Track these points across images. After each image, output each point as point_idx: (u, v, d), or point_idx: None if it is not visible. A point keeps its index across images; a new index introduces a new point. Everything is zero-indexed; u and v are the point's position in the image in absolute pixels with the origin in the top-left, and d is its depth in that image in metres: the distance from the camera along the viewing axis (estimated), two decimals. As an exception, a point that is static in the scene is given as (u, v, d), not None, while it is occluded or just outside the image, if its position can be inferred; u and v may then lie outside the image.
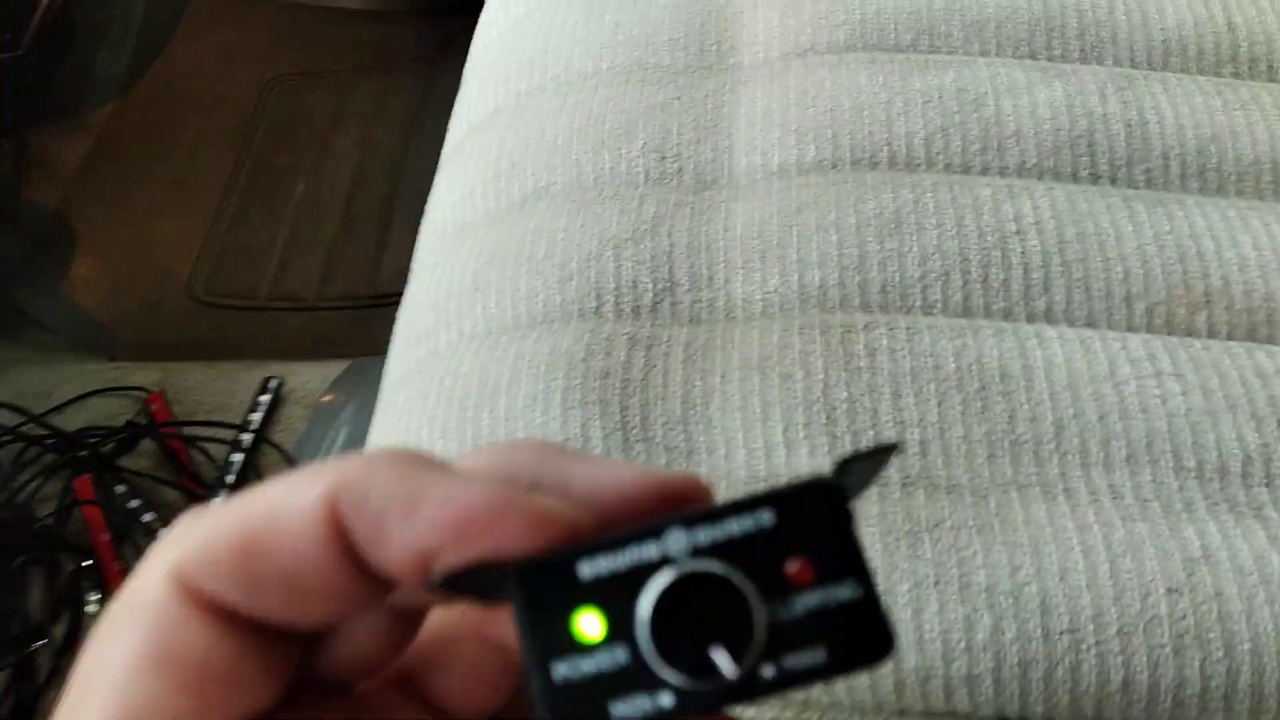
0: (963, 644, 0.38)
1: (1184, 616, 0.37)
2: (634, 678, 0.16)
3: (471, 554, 0.16)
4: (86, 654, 0.17)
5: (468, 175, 0.61)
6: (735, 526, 0.16)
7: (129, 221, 1.26)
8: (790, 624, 0.16)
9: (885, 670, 0.39)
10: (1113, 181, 0.50)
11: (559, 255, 0.53)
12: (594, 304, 0.51)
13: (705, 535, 0.16)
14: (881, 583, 0.39)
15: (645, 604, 0.16)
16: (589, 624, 0.16)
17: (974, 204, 0.48)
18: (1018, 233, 0.47)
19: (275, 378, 1.08)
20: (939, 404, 0.43)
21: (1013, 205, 0.48)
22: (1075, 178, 0.50)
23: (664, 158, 0.56)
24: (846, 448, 0.43)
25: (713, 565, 0.16)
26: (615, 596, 0.16)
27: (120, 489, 1.01)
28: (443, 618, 0.20)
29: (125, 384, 1.09)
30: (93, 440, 1.04)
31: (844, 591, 0.16)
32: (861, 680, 0.39)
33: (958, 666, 0.38)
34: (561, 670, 0.16)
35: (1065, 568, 0.38)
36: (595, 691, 0.16)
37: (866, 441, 0.43)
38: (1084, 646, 0.37)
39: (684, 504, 0.17)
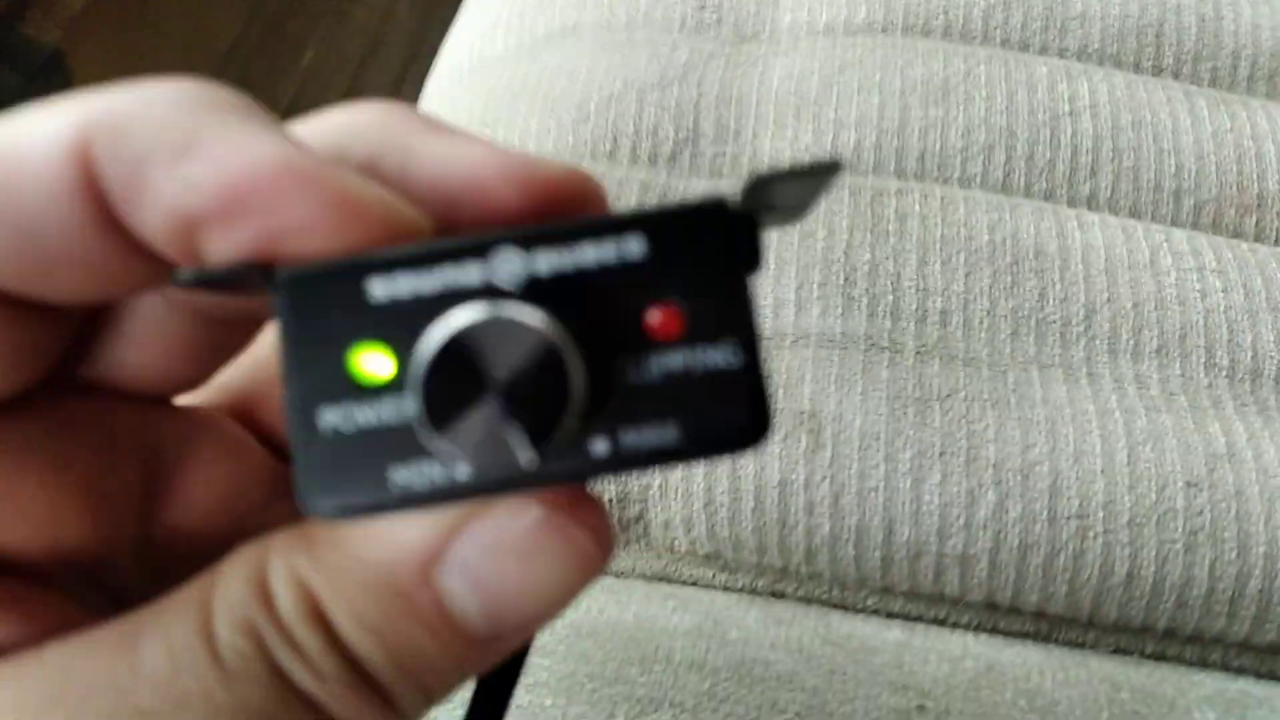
0: (962, 520, 0.36)
1: (1201, 512, 0.34)
2: (423, 439, 0.12)
3: (244, 234, 0.12)
4: None
5: (490, 12, 0.57)
6: (591, 254, 0.12)
7: (128, 70, 1.21)
8: (642, 389, 0.12)
9: (873, 543, 0.36)
10: (1176, 76, 0.47)
11: (578, 94, 0.50)
12: (609, 147, 0.48)
13: (548, 262, 0.12)
14: (882, 449, 0.37)
15: (426, 348, 0.12)
16: (375, 362, 0.12)
17: (1028, 81, 0.45)
18: (1070, 114, 0.44)
19: None
20: (966, 275, 0.40)
21: (1069, 86, 0.45)
22: (1137, 68, 0.47)
23: (703, 7, 0.52)
24: (863, 310, 0.40)
25: (527, 312, 0.12)
26: (413, 329, 0.12)
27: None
28: None
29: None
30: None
31: (717, 355, 0.12)
32: (846, 551, 0.37)
33: (953, 544, 0.36)
34: (330, 418, 0.12)
35: (1081, 450, 0.36)
36: (372, 449, 0.12)
37: (884, 306, 0.40)
38: (1091, 534, 0.35)
39: (564, 209, 0.14)
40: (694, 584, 0.37)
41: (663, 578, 0.38)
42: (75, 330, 0.14)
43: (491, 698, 0.20)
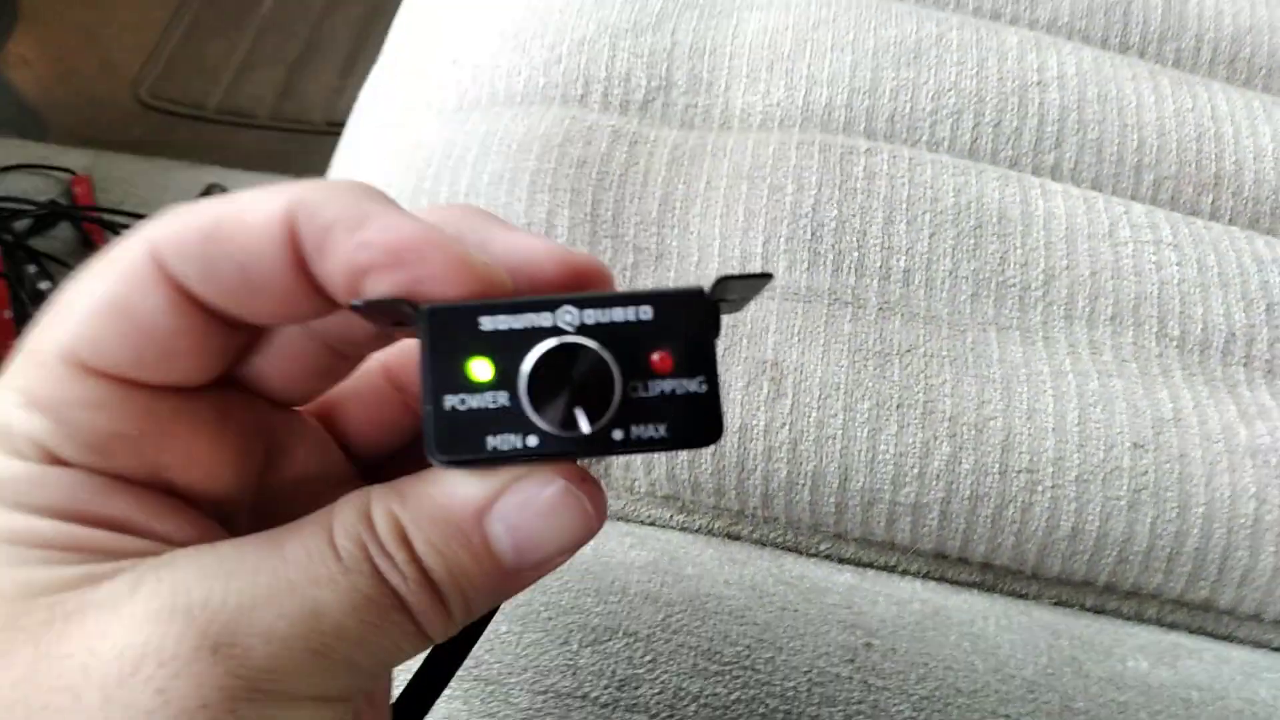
0: (916, 470, 0.36)
1: (1145, 472, 0.35)
2: (509, 420, 0.18)
3: (397, 280, 0.18)
4: (62, 292, 0.19)
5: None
6: (619, 314, 0.19)
7: (81, 6, 1.18)
8: (645, 402, 0.18)
9: (828, 490, 0.37)
10: (1141, 55, 0.48)
11: (550, 36, 0.49)
12: (580, 91, 0.48)
13: (592, 315, 0.19)
14: (841, 399, 0.37)
15: (529, 360, 0.18)
16: (481, 368, 0.18)
17: (999, 49, 0.46)
18: (1039, 83, 0.45)
19: (219, 185, 1.02)
20: (931, 235, 0.41)
21: (1037, 56, 0.46)
22: (1105, 44, 0.48)
23: (680, -44, 0.52)
24: (828, 265, 0.41)
25: (590, 342, 0.18)
26: (506, 350, 0.18)
27: (31, 269, 0.96)
28: (363, 367, 0.23)
29: (52, 163, 1.02)
30: (7, 213, 0.98)
31: (693, 385, 0.19)
32: (802, 496, 0.37)
33: (906, 493, 0.36)
34: (451, 402, 0.18)
35: (1034, 408, 0.37)
36: (476, 424, 0.18)
37: (850, 262, 0.41)
38: (1040, 488, 0.36)
39: (586, 281, 0.20)
40: (652, 524, 0.38)
41: (621, 517, 0.38)
42: (245, 344, 0.20)
43: (444, 661, 0.26)
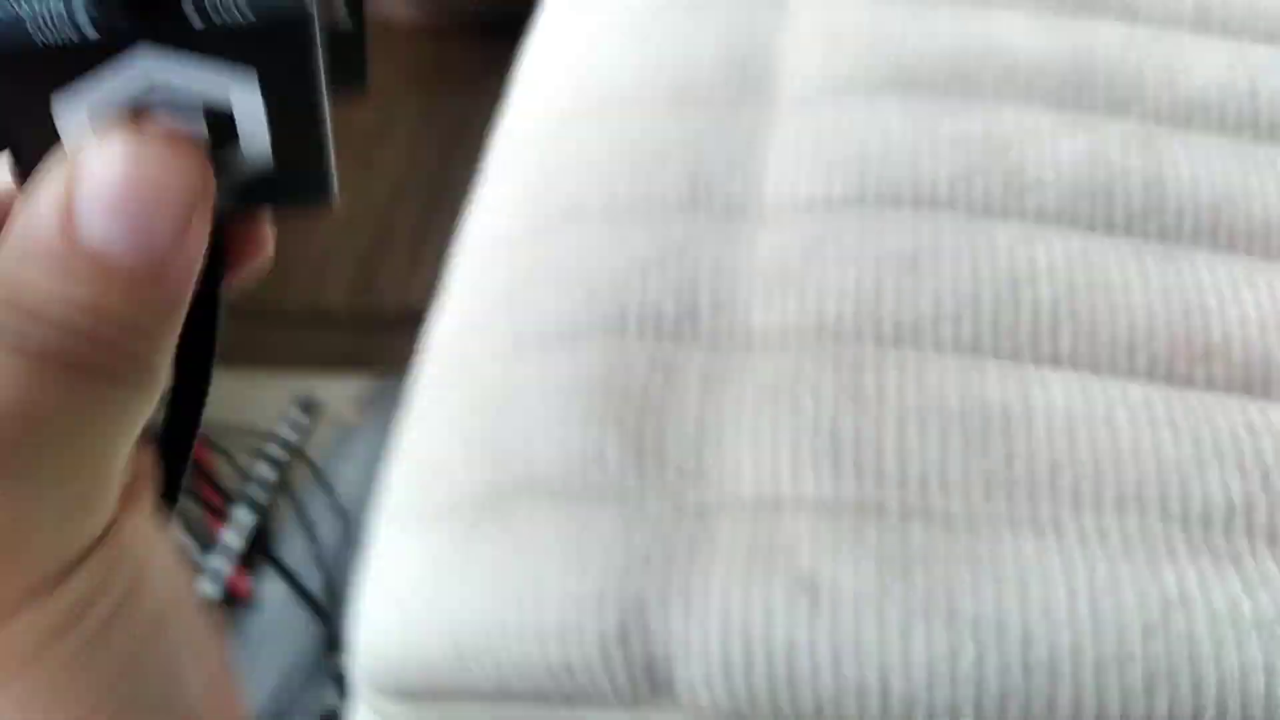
0: (947, 673, 0.40)
1: (1157, 656, 0.39)
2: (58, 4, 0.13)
3: None
4: None
5: (506, 190, 0.63)
6: None
7: None
8: None
9: (873, 698, 0.41)
10: (1127, 232, 0.52)
11: (589, 275, 0.55)
12: (618, 324, 0.54)
13: None
14: (873, 611, 0.41)
15: None
16: None
17: (990, 248, 0.50)
18: (1030, 279, 0.49)
19: (308, 396, 1.10)
20: (941, 440, 0.45)
21: (1027, 251, 0.50)
22: (1091, 227, 0.52)
23: (695, 184, 0.58)
24: (850, 478, 0.45)
25: None
26: None
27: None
28: None
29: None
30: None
31: None
32: (848, 706, 0.41)
33: (941, 695, 0.40)
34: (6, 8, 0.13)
35: (1049, 604, 0.40)
36: (21, 20, 0.14)
37: (870, 473, 0.45)
38: (1061, 681, 0.39)
39: None
40: (715, 738, 0.42)
41: (687, 735, 0.42)
42: None
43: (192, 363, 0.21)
